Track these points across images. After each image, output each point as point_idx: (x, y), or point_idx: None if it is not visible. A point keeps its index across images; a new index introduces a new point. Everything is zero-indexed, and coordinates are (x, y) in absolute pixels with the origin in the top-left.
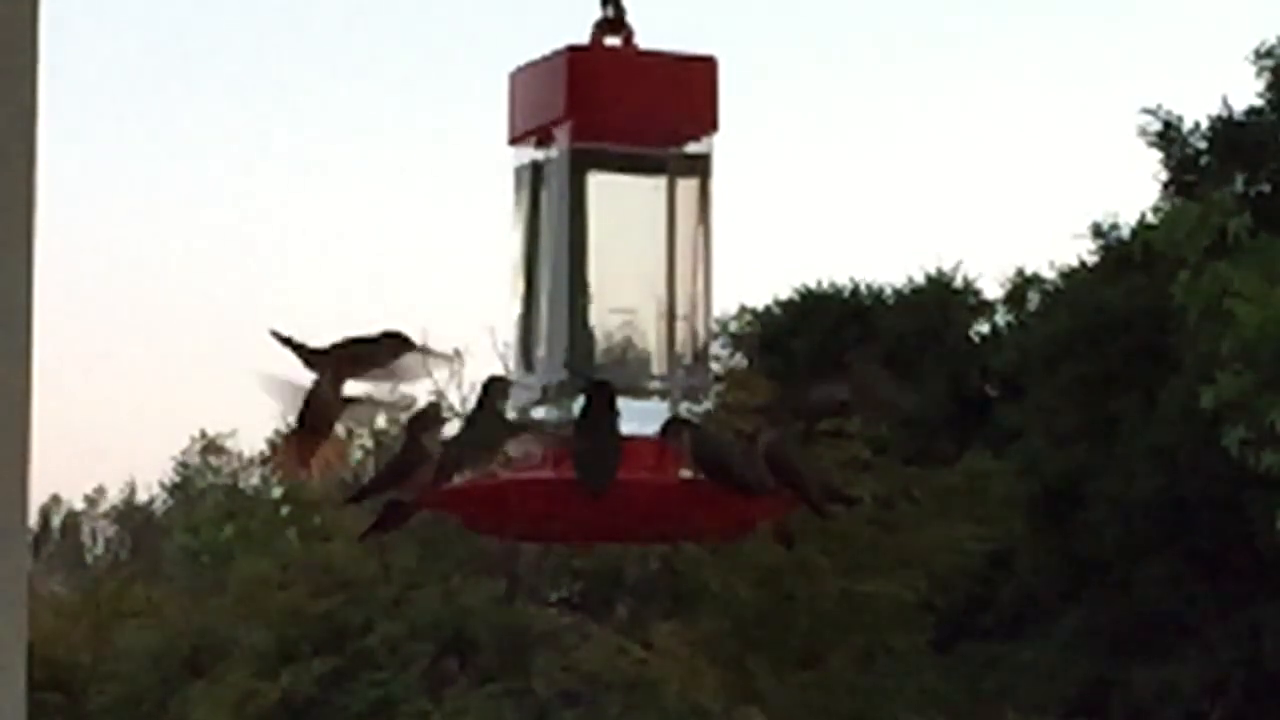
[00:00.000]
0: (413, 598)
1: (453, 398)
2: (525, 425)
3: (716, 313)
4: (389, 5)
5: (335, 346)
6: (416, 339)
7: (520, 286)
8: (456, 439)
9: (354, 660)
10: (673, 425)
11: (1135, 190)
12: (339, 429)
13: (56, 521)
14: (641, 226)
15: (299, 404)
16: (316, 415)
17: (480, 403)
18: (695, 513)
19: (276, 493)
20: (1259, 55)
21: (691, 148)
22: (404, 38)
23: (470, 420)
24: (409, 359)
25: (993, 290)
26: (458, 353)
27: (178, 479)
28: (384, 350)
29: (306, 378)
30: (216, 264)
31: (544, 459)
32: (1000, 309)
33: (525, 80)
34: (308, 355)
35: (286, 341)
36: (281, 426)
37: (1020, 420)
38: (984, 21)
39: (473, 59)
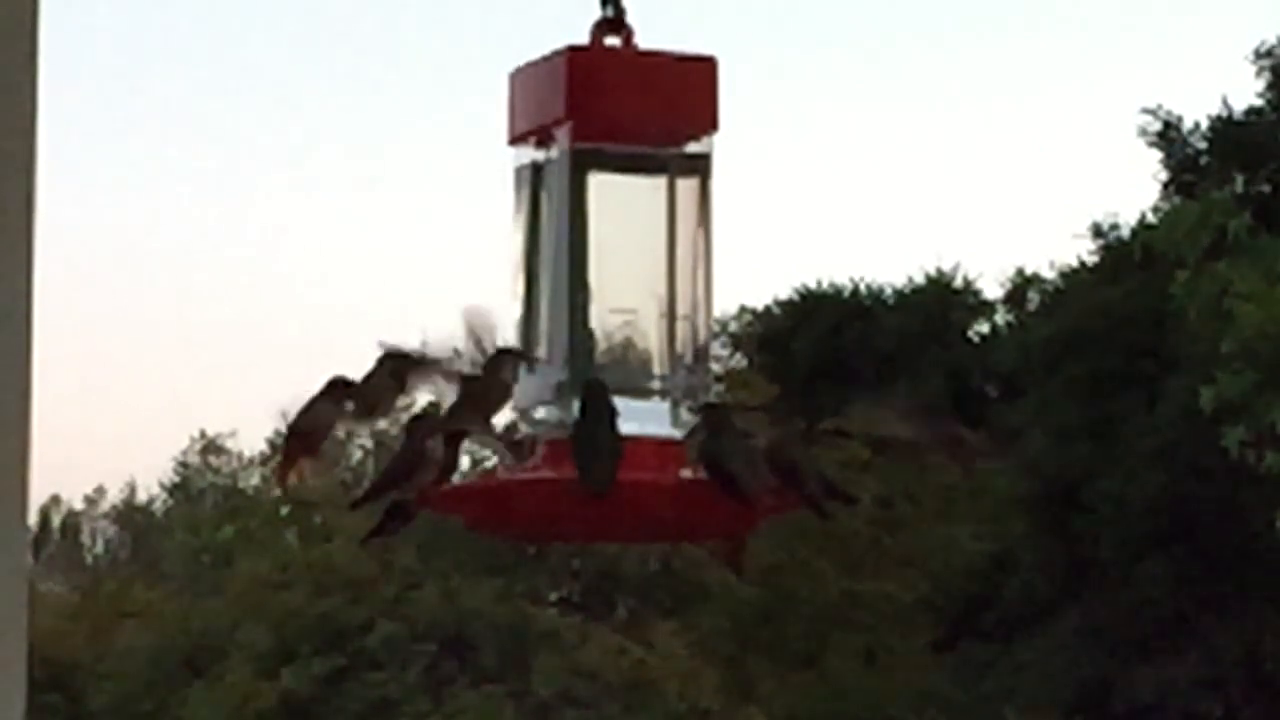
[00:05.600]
0: (413, 598)
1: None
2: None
3: (716, 313)
4: (389, 5)
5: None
6: (415, 339)
7: (520, 286)
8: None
9: (354, 660)
10: (708, 410)
11: (1135, 190)
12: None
13: (56, 521)
14: (641, 226)
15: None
16: (307, 433)
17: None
18: (695, 513)
19: (277, 493)
20: (1259, 55)
21: (691, 148)
22: (404, 38)
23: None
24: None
25: (993, 290)
26: (457, 353)
27: (178, 479)
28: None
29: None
30: (216, 264)
31: (544, 459)
32: (1000, 309)
33: (525, 80)
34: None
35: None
36: (282, 427)
37: (1020, 420)
38: (984, 22)
39: (473, 59)
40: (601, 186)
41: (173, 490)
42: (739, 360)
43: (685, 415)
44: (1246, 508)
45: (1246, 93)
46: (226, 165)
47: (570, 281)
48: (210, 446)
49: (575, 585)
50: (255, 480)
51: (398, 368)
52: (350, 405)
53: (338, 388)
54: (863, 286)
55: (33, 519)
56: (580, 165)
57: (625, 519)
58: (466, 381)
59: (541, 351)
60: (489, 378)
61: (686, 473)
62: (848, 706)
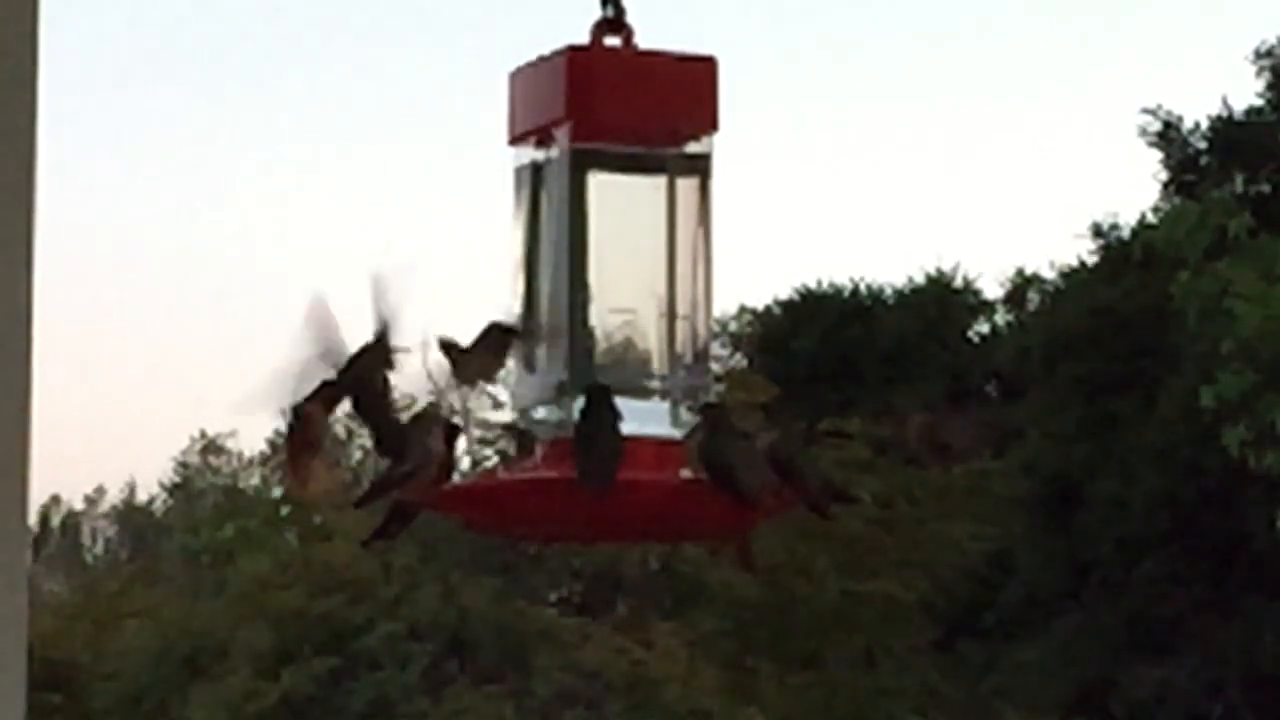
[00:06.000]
0: (413, 598)
1: (453, 397)
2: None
3: (716, 313)
4: (389, 5)
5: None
6: (415, 338)
7: (520, 286)
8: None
9: (354, 660)
10: (708, 409)
11: (1135, 190)
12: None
13: (56, 521)
14: (641, 226)
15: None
16: (305, 434)
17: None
18: (695, 513)
19: (276, 493)
20: (1259, 55)
21: (691, 148)
22: (404, 38)
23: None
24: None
25: (993, 290)
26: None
27: (178, 479)
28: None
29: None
30: (217, 264)
31: (544, 459)
32: (1000, 309)
33: (525, 80)
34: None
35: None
36: (282, 427)
37: (1020, 420)
38: (984, 21)
39: (473, 59)
40: (601, 186)
41: (173, 490)
42: (739, 360)
43: (685, 415)
44: (1246, 508)
45: (1246, 93)
46: (227, 165)
47: (570, 281)
48: (210, 446)
49: (575, 585)
50: (255, 480)
51: (387, 354)
52: (347, 401)
53: (331, 384)
54: (863, 286)
55: (33, 519)
56: (580, 165)
57: (625, 519)
58: (460, 353)
59: (541, 351)
60: (480, 348)
61: (686, 473)
62: (848, 706)
